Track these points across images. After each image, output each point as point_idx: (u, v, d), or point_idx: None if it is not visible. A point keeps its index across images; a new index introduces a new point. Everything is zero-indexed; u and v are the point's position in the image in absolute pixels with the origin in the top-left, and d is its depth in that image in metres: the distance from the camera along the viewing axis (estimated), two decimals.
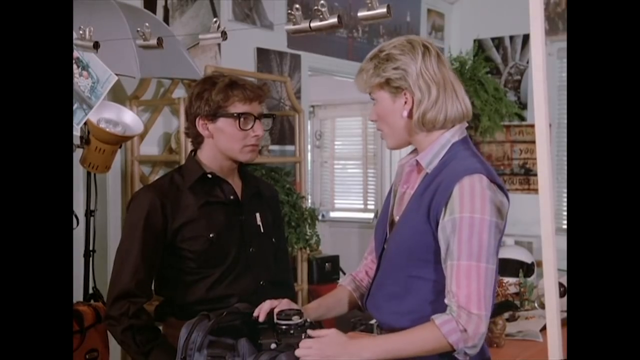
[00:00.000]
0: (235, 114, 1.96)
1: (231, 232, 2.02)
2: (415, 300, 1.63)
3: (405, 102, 1.63)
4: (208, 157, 2.04)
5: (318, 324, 1.73)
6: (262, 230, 2.10)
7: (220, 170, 2.04)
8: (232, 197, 2.05)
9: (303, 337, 1.59)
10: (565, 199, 5.40)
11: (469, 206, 1.52)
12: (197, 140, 2.05)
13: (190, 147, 3.22)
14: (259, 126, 2.00)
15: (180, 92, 3.58)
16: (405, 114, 1.64)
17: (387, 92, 1.65)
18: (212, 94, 1.96)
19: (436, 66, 1.62)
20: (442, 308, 1.55)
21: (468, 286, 1.50)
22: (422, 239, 1.60)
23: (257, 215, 2.11)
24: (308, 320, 1.66)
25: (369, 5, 1.31)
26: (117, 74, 2.43)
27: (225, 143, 1.99)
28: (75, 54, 2.29)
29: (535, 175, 2.53)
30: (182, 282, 2.00)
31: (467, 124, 1.69)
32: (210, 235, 1.98)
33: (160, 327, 2.08)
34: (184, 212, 1.98)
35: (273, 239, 2.15)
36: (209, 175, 2.03)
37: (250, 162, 2.07)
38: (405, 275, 1.64)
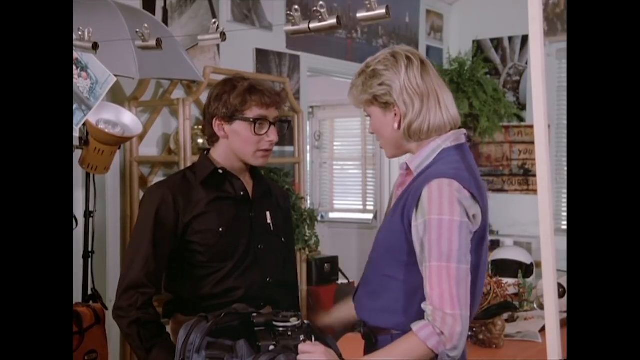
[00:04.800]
0: (251, 119, 2.00)
1: (241, 227, 2.06)
2: (388, 299, 1.69)
3: (395, 115, 1.69)
4: (221, 155, 2.08)
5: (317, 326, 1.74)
6: (271, 229, 2.14)
7: (232, 169, 2.08)
8: (242, 193, 2.09)
9: (301, 338, 1.59)
10: (565, 200, 5.40)
11: (437, 208, 1.56)
12: (212, 139, 2.09)
13: (189, 148, 3.28)
14: (273, 132, 2.03)
15: (179, 93, 3.58)
16: (395, 126, 1.70)
17: (377, 107, 1.72)
18: (230, 97, 2.00)
19: (419, 77, 1.67)
20: (410, 308, 1.62)
21: (440, 286, 1.55)
22: (396, 239, 1.66)
23: (268, 213, 2.14)
24: (306, 322, 1.66)
25: (368, 6, 1.31)
26: (116, 75, 2.43)
27: (239, 145, 2.03)
28: (75, 55, 2.29)
29: (534, 175, 2.52)
30: (192, 276, 2.03)
31: (464, 131, 1.73)
32: (220, 229, 2.01)
33: (167, 327, 2.09)
34: (195, 206, 2.02)
35: (282, 239, 2.18)
36: (220, 171, 2.06)
37: (261, 166, 2.10)
38: (381, 274, 1.71)
